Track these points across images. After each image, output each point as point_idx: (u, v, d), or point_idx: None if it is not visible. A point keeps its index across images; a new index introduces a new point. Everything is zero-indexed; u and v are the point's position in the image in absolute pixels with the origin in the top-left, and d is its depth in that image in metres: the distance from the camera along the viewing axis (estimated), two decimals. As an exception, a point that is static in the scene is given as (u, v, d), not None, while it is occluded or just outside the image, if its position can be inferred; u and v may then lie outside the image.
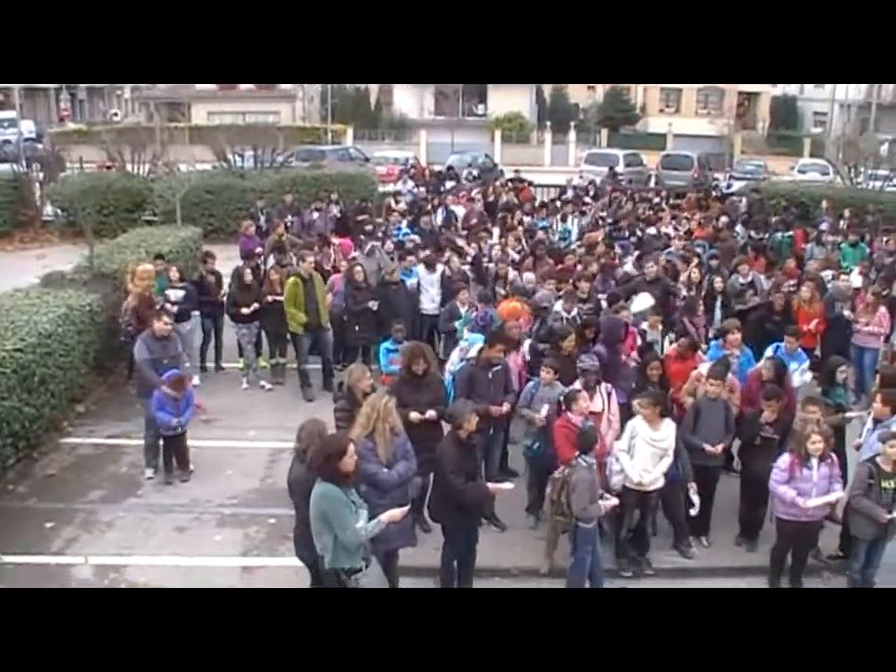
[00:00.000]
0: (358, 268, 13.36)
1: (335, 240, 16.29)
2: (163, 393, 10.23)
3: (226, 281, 14.23)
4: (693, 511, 8.98)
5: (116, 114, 68.52)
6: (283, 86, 60.20)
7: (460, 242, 16.25)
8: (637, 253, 15.40)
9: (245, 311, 13.07)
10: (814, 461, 8.16)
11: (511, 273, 13.80)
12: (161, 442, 10.59)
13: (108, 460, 11.07)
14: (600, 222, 19.28)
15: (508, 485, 8.24)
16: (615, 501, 8.19)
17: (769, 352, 10.59)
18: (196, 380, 12.66)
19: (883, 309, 13.13)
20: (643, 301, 12.45)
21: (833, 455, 8.41)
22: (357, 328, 13.13)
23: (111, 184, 24.35)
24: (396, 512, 6.79)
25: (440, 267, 14.06)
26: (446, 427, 8.63)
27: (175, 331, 11.18)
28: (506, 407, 9.55)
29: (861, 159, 27.57)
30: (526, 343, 11.06)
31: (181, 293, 13.00)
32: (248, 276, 13.30)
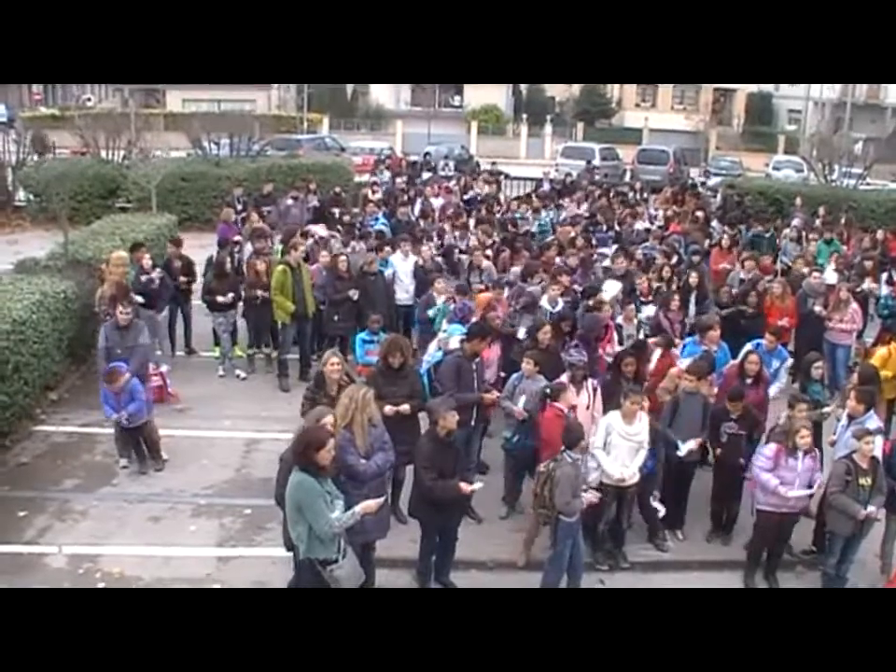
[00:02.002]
0: (343, 258, 13.30)
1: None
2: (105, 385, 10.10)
3: (198, 269, 14.17)
4: (660, 514, 9.15)
5: (89, 99, 67.73)
6: (259, 74, 59.72)
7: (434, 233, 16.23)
8: (615, 247, 15.42)
9: (220, 299, 12.99)
10: (800, 452, 8.27)
11: (485, 263, 13.80)
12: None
13: (82, 448, 10.97)
14: (577, 217, 19.26)
15: (478, 485, 8.19)
16: (597, 496, 8.21)
17: (749, 347, 10.63)
18: (164, 367, 12.54)
19: (855, 305, 13.26)
20: (611, 289, 12.52)
21: (816, 450, 8.53)
22: (336, 317, 13.08)
23: (85, 170, 24.03)
24: (371, 504, 6.78)
25: (412, 257, 14.05)
26: (423, 420, 8.68)
27: (140, 320, 11.04)
28: (496, 394, 9.59)
29: (836, 157, 27.84)
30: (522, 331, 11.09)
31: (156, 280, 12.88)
32: (227, 265, 13.24)
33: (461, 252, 14.88)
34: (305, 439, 6.57)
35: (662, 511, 9.11)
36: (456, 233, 16.17)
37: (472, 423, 9.65)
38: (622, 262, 13.64)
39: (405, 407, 8.82)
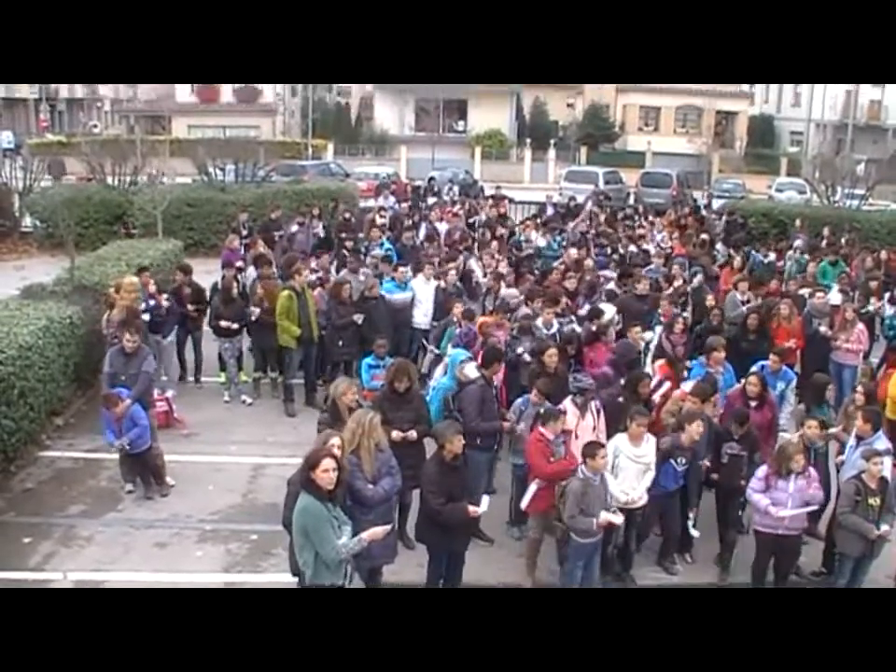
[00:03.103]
0: (347, 285, 13.32)
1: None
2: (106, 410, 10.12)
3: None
4: (695, 534, 9.17)
5: (95, 126, 68.41)
6: (264, 100, 60.35)
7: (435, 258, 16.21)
8: (618, 271, 15.43)
9: (223, 324, 13.04)
10: (792, 474, 8.26)
11: (504, 290, 13.82)
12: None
13: (87, 474, 10.96)
14: (581, 240, 19.29)
15: (483, 507, 8.06)
16: (618, 519, 8.15)
17: (754, 369, 10.62)
18: (170, 392, 12.55)
19: (861, 326, 13.26)
20: (606, 313, 12.52)
21: (812, 470, 8.51)
22: (340, 342, 13.08)
23: (91, 196, 24.24)
24: (378, 530, 6.76)
25: (433, 281, 14.08)
26: (428, 445, 8.68)
27: (146, 346, 11.06)
28: (512, 417, 9.59)
29: (838, 178, 27.94)
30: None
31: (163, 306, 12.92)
32: (234, 290, 13.32)
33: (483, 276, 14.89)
34: (305, 461, 6.59)
35: (696, 534, 9.12)
36: (475, 256, 16.18)
37: (495, 447, 9.74)
38: (645, 286, 13.69)
39: (412, 433, 8.82)
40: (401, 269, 14.30)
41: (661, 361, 10.81)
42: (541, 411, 8.95)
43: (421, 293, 13.96)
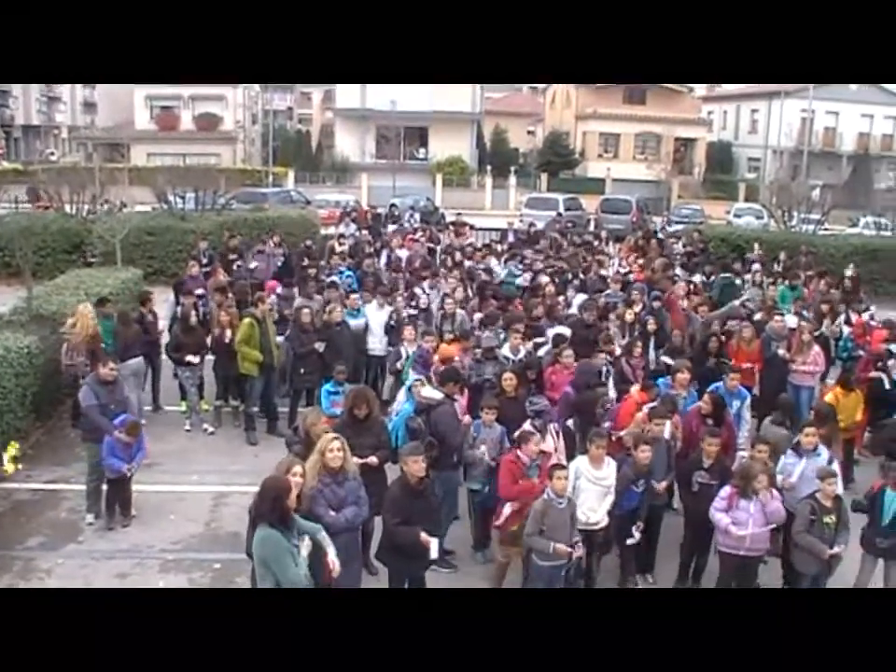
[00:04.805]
0: (306, 310, 13.32)
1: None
2: (116, 439, 10.06)
3: (164, 323, 14.20)
4: (629, 541, 9.05)
5: (53, 153, 68.03)
6: (224, 128, 60.32)
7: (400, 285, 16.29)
8: (582, 297, 15.53)
9: (189, 358, 12.92)
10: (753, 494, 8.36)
11: (460, 313, 13.89)
12: (105, 487, 10.37)
13: (46, 506, 10.81)
14: (543, 265, 19.37)
15: (433, 550, 7.79)
16: (577, 552, 8.11)
17: (710, 390, 10.77)
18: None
19: (817, 348, 13.47)
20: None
21: (774, 490, 8.59)
22: (302, 370, 13.06)
23: (49, 224, 23.97)
24: (336, 567, 6.84)
25: (387, 308, 14.14)
26: (390, 471, 8.74)
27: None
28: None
29: (794, 203, 28.46)
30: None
31: None
32: (193, 318, 13.24)
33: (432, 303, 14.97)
34: (271, 493, 6.53)
35: (637, 538, 9.04)
36: (426, 284, 16.21)
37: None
38: (592, 314, 13.77)
39: (373, 459, 8.79)
40: (353, 296, 14.37)
41: (636, 387, 10.85)
42: (516, 435, 8.99)
43: (374, 320, 14.03)
